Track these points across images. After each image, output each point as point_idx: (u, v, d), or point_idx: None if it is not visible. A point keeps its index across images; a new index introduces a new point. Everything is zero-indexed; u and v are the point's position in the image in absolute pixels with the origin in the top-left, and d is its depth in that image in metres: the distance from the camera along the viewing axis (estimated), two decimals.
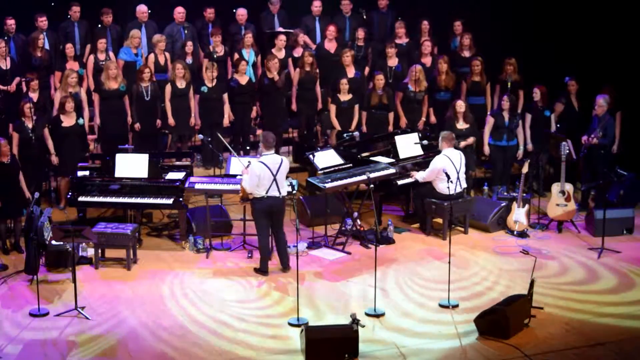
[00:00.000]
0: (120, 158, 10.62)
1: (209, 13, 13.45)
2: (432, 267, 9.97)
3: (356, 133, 12.00)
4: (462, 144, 11.47)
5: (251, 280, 9.59)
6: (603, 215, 10.46)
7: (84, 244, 9.84)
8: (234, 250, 10.46)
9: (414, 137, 11.53)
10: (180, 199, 10.48)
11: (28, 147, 10.88)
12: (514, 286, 9.31)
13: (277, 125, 12.51)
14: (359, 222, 10.80)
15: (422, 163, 11.21)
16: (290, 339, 8.19)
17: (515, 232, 10.90)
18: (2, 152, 10.00)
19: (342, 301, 9.06)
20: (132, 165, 10.56)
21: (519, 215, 10.86)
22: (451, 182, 10.01)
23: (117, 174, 10.54)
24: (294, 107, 12.96)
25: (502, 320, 8.15)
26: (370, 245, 10.40)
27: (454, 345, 8.13)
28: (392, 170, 10.83)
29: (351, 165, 10.89)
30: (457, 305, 8.88)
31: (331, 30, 13.23)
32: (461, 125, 11.70)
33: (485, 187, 12.02)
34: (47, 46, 12.44)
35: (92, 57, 12.49)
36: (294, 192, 10.32)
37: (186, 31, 13.16)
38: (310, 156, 10.74)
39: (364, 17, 13.86)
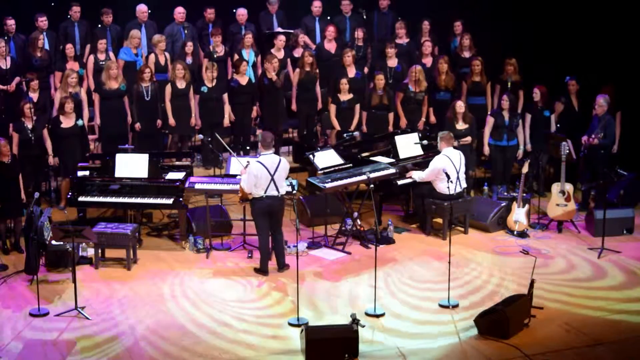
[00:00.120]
0: (120, 158, 10.62)
1: (209, 13, 13.45)
2: (432, 267, 9.97)
3: (356, 133, 12.00)
4: (459, 142, 11.45)
5: (251, 280, 9.59)
6: (603, 215, 10.46)
7: (84, 244, 9.84)
8: (234, 250, 10.46)
9: (414, 137, 11.54)
10: (180, 199, 10.48)
11: (27, 147, 10.88)
12: (514, 286, 9.31)
13: (276, 126, 12.52)
14: (359, 222, 10.80)
15: (422, 163, 11.21)
16: (290, 339, 8.20)
17: (515, 232, 10.90)
18: (2, 152, 10.00)
19: (342, 301, 9.07)
20: (132, 165, 10.56)
21: (519, 215, 10.86)
22: (451, 182, 10.02)
23: (117, 174, 10.54)
24: (293, 107, 12.96)
25: (502, 320, 8.16)
26: (370, 245, 10.40)
27: (454, 345, 8.13)
28: (392, 170, 10.83)
29: (351, 165, 10.89)
30: (457, 305, 8.88)
31: (330, 30, 13.23)
32: (460, 125, 11.70)
33: (485, 187, 12.02)
34: (47, 46, 12.45)
35: (92, 57, 12.49)
36: (294, 192, 10.34)
37: (186, 31, 13.16)
38: (310, 156, 10.74)
39: (364, 17, 13.86)
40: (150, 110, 12.05)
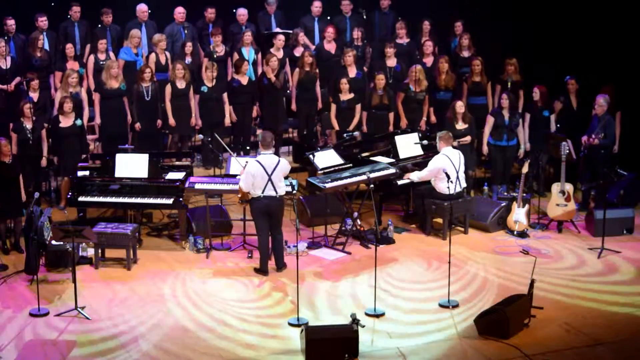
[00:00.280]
0: (120, 158, 10.62)
1: (210, 13, 13.45)
2: (432, 267, 9.97)
3: (357, 133, 12.00)
4: (458, 142, 11.45)
5: (251, 281, 9.59)
6: (603, 215, 10.46)
7: (84, 244, 9.84)
8: (234, 250, 10.46)
9: (414, 137, 11.54)
10: (180, 199, 10.48)
11: (26, 147, 10.88)
12: (513, 286, 9.31)
13: (276, 126, 12.51)
14: (359, 222, 10.80)
15: (422, 163, 11.20)
16: (290, 339, 8.19)
17: (515, 232, 10.90)
18: (2, 151, 10.00)
19: (342, 301, 9.07)
20: (132, 165, 10.56)
21: (519, 215, 10.86)
22: (451, 182, 10.02)
23: (117, 174, 10.54)
24: (293, 107, 12.96)
25: (502, 320, 8.15)
26: (370, 245, 10.40)
27: (454, 345, 8.13)
28: (392, 170, 10.83)
29: (351, 165, 10.89)
30: (457, 305, 8.88)
31: (330, 31, 13.23)
32: (460, 125, 11.70)
33: (485, 187, 12.02)
34: (47, 46, 12.45)
35: (92, 57, 12.49)
36: (294, 192, 10.34)
37: (186, 31, 13.16)
38: (310, 156, 10.74)
39: (364, 17, 13.86)
40: (151, 110, 12.05)
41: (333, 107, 12.39)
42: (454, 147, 10.90)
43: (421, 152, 11.48)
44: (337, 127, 12.33)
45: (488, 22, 13.60)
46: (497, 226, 11.09)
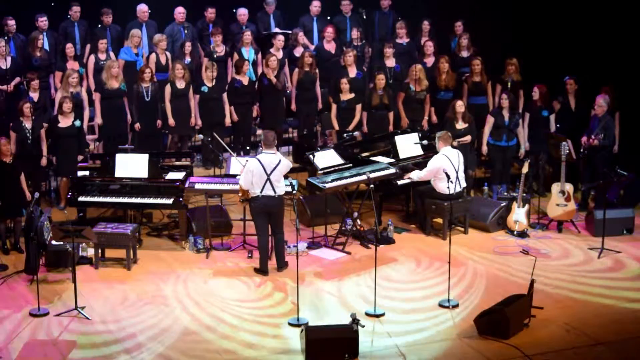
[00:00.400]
0: (120, 158, 10.62)
1: (210, 13, 13.45)
2: (432, 267, 9.97)
3: (357, 133, 12.00)
4: (458, 142, 11.45)
5: (252, 280, 9.59)
6: (603, 215, 10.46)
7: (84, 244, 9.84)
8: (234, 250, 10.46)
9: (414, 137, 11.54)
10: (180, 199, 10.48)
11: (25, 147, 10.87)
12: (513, 286, 9.30)
13: (276, 125, 12.50)
14: (359, 222, 10.80)
15: (422, 163, 11.20)
16: (290, 339, 8.19)
17: (515, 232, 10.90)
18: (2, 151, 10.00)
19: (342, 301, 9.07)
20: (132, 165, 10.56)
21: (519, 215, 10.86)
22: (451, 182, 10.02)
23: (117, 174, 10.54)
24: (293, 107, 12.96)
25: (502, 320, 8.15)
26: (370, 245, 10.40)
27: (453, 345, 8.13)
28: (392, 170, 10.83)
29: (351, 165, 10.89)
30: (456, 305, 8.88)
31: (329, 31, 13.23)
32: (460, 125, 11.69)
33: (485, 187, 12.02)
34: (46, 46, 12.45)
35: (92, 57, 12.49)
36: (294, 192, 10.34)
37: (186, 31, 13.16)
38: (310, 156, 10.74)
39: (364, 17, 13.86)
40: (151, 110, 12.04)
41: (333, 107, 12.39)
42: (454, 147, 10.90)
43: (421, 152, 11.48)
44: (337, 127, 12.33)
45: (488, 22, 13.60)
46: (497, 226, 11.09)
